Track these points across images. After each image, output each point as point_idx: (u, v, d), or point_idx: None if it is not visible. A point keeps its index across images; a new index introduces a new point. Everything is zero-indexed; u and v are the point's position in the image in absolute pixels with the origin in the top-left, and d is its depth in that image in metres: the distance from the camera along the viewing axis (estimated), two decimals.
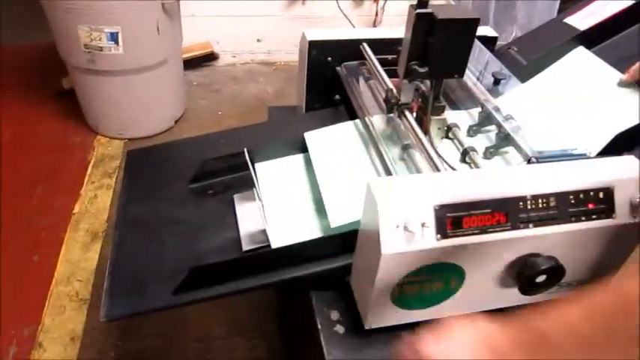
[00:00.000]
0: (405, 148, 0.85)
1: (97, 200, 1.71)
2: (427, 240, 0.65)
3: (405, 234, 0.65)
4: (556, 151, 0.78)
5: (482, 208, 0.67)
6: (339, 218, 0.82)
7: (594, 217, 0.72)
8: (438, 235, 0.66)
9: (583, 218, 0.71)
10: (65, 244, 1.56)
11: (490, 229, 0.68)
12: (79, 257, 1.52)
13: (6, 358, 1.28)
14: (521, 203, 0.69)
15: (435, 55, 0.76)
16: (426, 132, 0.86)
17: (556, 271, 0.70)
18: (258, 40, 2.47)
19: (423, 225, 0.65)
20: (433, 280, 0.71)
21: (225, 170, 0.99)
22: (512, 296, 0.74)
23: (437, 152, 0.82)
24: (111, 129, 1.95)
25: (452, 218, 0.66)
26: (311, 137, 0.99)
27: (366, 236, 0.72)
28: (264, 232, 0.85)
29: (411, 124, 0.83)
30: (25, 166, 1.81)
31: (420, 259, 0.67)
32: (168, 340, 1.32)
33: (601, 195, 0.72)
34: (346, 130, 0.99)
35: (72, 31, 1.63)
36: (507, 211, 0.68)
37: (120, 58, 1.71)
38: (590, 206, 0.71)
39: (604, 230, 0.72)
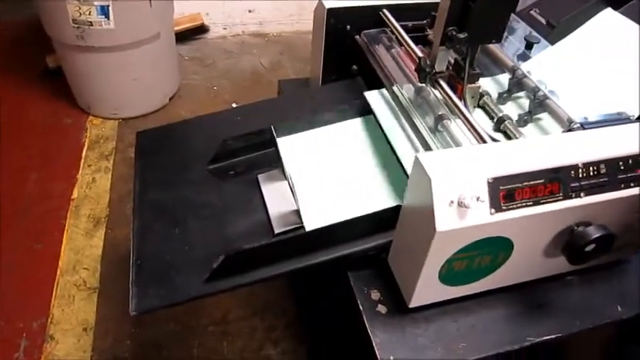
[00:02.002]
0: (440, 119, 0.82)
1: (95, 184, 1.64)
2: (481, 215, 0.63)
3: (458, 210, 0.62)
4: (600, 116, 0.75)
5: (535, 178, 0.65)
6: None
7: None
8: (492, 209, 0.63)
9: (632, 184, 0.69)
10: (67, 231, 1.50)
11: (543, 200, 0.65)
12: (83, 244, 1.46)
13: (17, 352, 1.23)
14: (572, 172, 0.66)
15: (475, 20, 0.72)
16: (463, 100, 0.83)
17: (606, 240, 0.69)
18: (249, 11, 2.38)
19: (477, 199, 0.62)
20: (482, 254, 0.69)
21: (247, 149, 0.94)
22: (559, 265, 0.72)
23: (477, 122, 0.79)
24: (104, 109, 1.86)
25: (505, 191, 0.64)
26: (372, 97, 0.95)
27: (414, 213, 0.69)
28: (296, 212, 0.81)
29: (447, 93, 0.79)
30: (16, 152, 1.72)
31: (473, 235, 0.65)
32: (185, 324, 1.29)
33: None
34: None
35: (59, 5, 1.53)
36: (560, 181, 0.66)
37: (111, 33, 1.61)
38: (639, 172, 0.70)
39: None
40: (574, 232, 0.69)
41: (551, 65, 0.91)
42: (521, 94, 0.91)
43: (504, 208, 0.64)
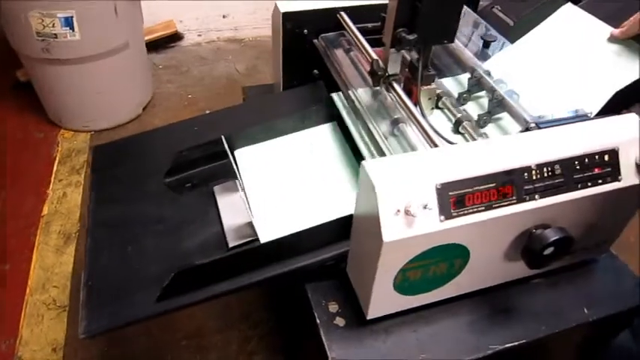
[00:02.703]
0: (395, 122, 0.80)
1: (66, 199, 1.61)
2: (430, 223, 0.61)
3: (405, 219, 0.59)
4: (557, 115, 0.73)
5: (487, 182, 0.63)
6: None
7: (600, 181, 0.68)
8: (442, 217, 0.61)
9: (589, 184, 0.67)
10: (37, 249, 1.46)
11: (495, 205, 0.63)
12: (53, 262, 1.43)
13: None
14: (526, 174, 0.64)
15: (423, 20, 0.69)
16: (417, 104, 0.80)
17: (564, 242, 0.66)
18: (223, 17, 2.35)
19: (425, 207, 0.60)
20: (437, 262, 0.67)
21: (203, 160, 0.91)
22: (523, 269, 0.70)
23: (431, 125, 0.76)
24: (75, 121, 1.83)
25: (455, 197, 0.61)
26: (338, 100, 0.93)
27: (363, 223, 0.66)
28: (250, 225, 0.79)
29: (400, 97, 0.77)
30: None
31: (424, 243, 0.63)
32: (158, 339, 1.26)
33: (606, 158, 0.68)
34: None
35: (22, 18, 1.50)
36: (513, 184, 0.64)
37: (77, 45, 1.58)
38: (596, 171, 0.68)
39: (611, 194, 0.69)
40: (531, 235, 0.67)
41: (511, 64, 0.89)
42: (482, 93, 0.89)
43: (455, 214, 0.62)
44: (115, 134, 1.84)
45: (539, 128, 0.72)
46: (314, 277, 0.79)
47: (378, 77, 0.78)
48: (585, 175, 0.67)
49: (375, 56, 0.82)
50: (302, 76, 1.05)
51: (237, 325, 1.29)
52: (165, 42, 2.25)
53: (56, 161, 1.74)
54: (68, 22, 1.54)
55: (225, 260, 0.76)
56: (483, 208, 0.63)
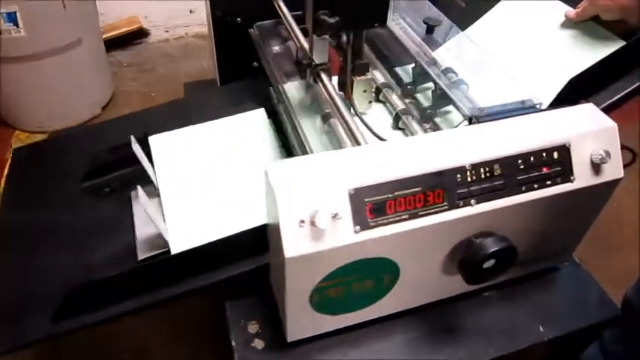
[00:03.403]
0: (325, 118, 0.71)
1: None
2: (342, 235, 0.52)
3: (312, 230, 0.50)
4: (499, 106, 0.64)
5: (411, 186, 0.54)
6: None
7: (549, 182, 0.59)
8: (357, 227, 0.52)
9: (536, 186, 0.58)
10: None
11: (422, 212, 0.54)
12: None
13: None
14: (459, 176, 0.55)
15: (344, 1, 0.60)
16: (350, 96, 0.71)
17: (507, 254, 0.58)
18: (190, 12, 2.26)
19: (334, 217, 0.51)
20: (360, 278, 0.58)
21: (122, 162, 0.82)
22: (461, 284, 0.61)
23: (362, 120, 0.68)
24: (29, 122, 1.73)
25: (372, 204, 0.52)
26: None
27: (272, 234, 0.58)
28: (161, 235, 0.70)
29: (327, 88, 0.68)
30: None
31: (338, 258, 0.54)
32: (99, 353, 1.17)
33: (555, 155, 0.59)
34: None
35: None
36: (443, 188, 0.55)
37: (23, 42, 1.49)
38: (544, 170, 0.59)
39: (562, 197, 0.60)
40: (470, 246, 0.58)
41: (460, 52, 0.80)
42: (429, 84, 0.80)
43: (373, 224, 0.53)
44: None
45: (480, 122, 0.63)
46: (235, 292, 0.70)
47: (304, 67, 0.69)
48: (531, 175, 0.58)
49: (304, 44, 0.73)
50: (241, 70, 0.96)
51: (185, 337, 1.20)
52: (131, 39, 2.16)
53: (7, 163, 1.65)
54: (11, 18, 1.45)
55: (130, 275, 0.67)
56: (407, 216, 0.54)
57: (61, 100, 1.69)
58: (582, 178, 0.60)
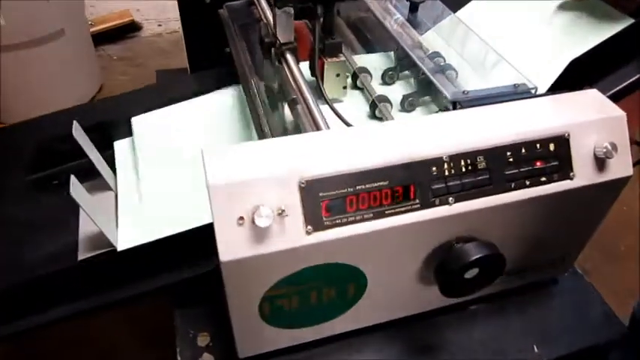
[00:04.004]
0: (293, 104, 0.62)
1: None
2: (291, 236, 0.43)
3: (253, 230, 0.42)
4: (486, 90, 0.55)
5: (376, 179, 0.45)
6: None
7: (544, 179, 0.50)
8: (309, 227, 0.43)
9: (527, 183, 0.49)
10: None
11: (389, 211, 0.46)
12: None
13: None
14: (434, 169, 0.47)
15: None
16: (321, 81, 0.63)
17: (493, 262, 0.49)
18: None
19: (281, 214, 0.42)
20: (318, 287, 0.49)
21: (74, 153, 0.74)
22: (442, 297, 0.52)
23: (331, 106, 0.59)
24: (12, 115, 1.67)
25: (329, 199, 0.44)
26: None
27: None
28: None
29: (291, 71, 0.60)
30: None
31: (287, 264, 0.45)
32: (67, 358, 1.10)
33: (552, 147, 0.50)
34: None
35: None
36: (414, 182, 0.46)
37: (3, 31, 1.43)
38: (538, 164, 0.50)
39: (559, 197, 0.51)
40: (451, 252, 0.50)
41: (449, 35, 0.71)
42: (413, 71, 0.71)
43: (328, 224, 0.44)
44: None
45: (463, 107, 0.54)
46: (186, 299, 0.62)
47: (267, 46, 0.61)
48: (522, 170, 0.49)
49: (270, 20, 0.65)
50: (214, 57, 0.87)
51: (156, 340, 1.12)
52: (123, 32, 2.10)
53: None
54: None
55: (68, 276, 0.59)
56: (372, 215, 0.45)
57: (44, 93, 1.63)
58: (583, 174, 0.51)
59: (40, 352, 1.07)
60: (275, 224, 0.42)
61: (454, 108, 0.56)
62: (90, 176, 0.73)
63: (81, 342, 1.11)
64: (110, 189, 0.71)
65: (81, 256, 0.62)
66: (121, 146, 0.76)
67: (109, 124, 0.77)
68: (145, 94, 0.85)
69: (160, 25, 2.17)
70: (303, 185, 0.43)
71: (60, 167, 0.75)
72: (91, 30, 1.87)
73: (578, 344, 0.61)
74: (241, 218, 0.42)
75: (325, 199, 0.44)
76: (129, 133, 0.78)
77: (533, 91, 0.56)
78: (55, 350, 1.09)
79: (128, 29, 2.10)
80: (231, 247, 0.42)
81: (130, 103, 0.82)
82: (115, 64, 1.99)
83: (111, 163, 0.75)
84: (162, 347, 1.07)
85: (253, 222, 0.42)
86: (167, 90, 0.83)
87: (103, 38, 2.00)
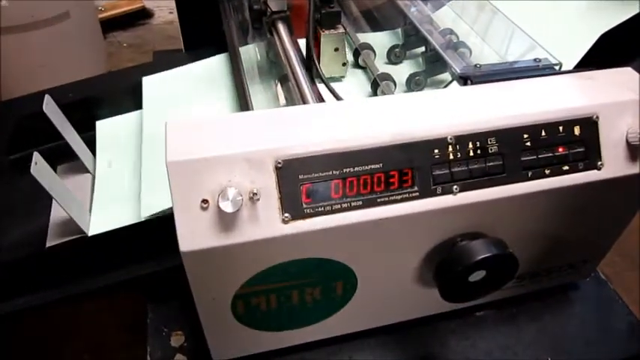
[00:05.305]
0: (284, 80, 0.56)
1: None
2: (265, 224, 0.37)
3: (219, 215, 0.36)
4: (502, 64, 0.48)
5: (367, 161, 0.38)
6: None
7: (566, 168, 0.43)
8: (286, 215, 0.37)
9: (547, 172, 0.42)
10: None
11: (382, 199, 0.39)
12: None
13: None
14: (437, 151, 0.40)
15: None
16: (317, 56, 0.57)
17: (503, 263, 0.42)
18: None
19: (252, 197, 0.36)
20: (301, 285, 0.43)
21: (53, 132, 0.70)
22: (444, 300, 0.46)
23: (326, 83, 0.53)
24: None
25: (310, 183, 0.38)
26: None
27: None
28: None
29: (283, 43, 0.53)
30: None
31: (261, 257, 0.39)
32: (57, 353, 1.06)
33: (577, 130, 0.43)
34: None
35: None
36: (412, 166, 0.39)
37: (6, 12, 1.40)
38: (560, 150, 0.43)
39: (584, 190, 0.44)
40: (454, 250, 0.43)
41: (465, 11, 0.64)
42: (423, 48, 0.64)
43: (310, 212, 0.38)
44: None
45: (474, 83, 0.47)
46: (161, 293, 0.57)
47: (256, 14, 0.55)
48: (541, 157, 0.42)
49: None
50: (210, 34, 0.81)
51: (146, 334, 1.07)
52: (134, 19, 2.06)
53: None
54: None
55: (33, 264, 0.54)
56: (361, 203, 0.39)
57: (47, 77, 1.59)
58: (613, 164, 0.44)
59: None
60: (245, 210, 0.36)
61: (465, 84, 0.49)
62: (74, 157, 0.68)
63: (52, 332, 1.07)
64: (88, 171, 0.66)
65: (49, 243, 0.57)
66: (103, 126, 0.71)
67: (93, 101, 0.72)
68: (136, 71, 0.80)
69: (171, 13, 2.12)
70: (279, 165, 0.37)
71: (42, 147, 0.70)
72: (101, 16, 1.83)
73: (598, 358, 0.53)
74: (205, 201, 0.36)
75: (306, 183, 0.37)
76: (114, 112, 0.73)
77: (557, 68, 0.49)
78: (21, 340, 1.06)
79: (139, 16, 2.06)
80: (193, 234, 0.36)
81: (120, 80, 0.77)
82: (123, 50, 1.96)
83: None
84: (140, 342, 1.03)
85: (220, 207, 0.35)
86: (156, 67, 0.77)
87: (113, 24, 1.96)
